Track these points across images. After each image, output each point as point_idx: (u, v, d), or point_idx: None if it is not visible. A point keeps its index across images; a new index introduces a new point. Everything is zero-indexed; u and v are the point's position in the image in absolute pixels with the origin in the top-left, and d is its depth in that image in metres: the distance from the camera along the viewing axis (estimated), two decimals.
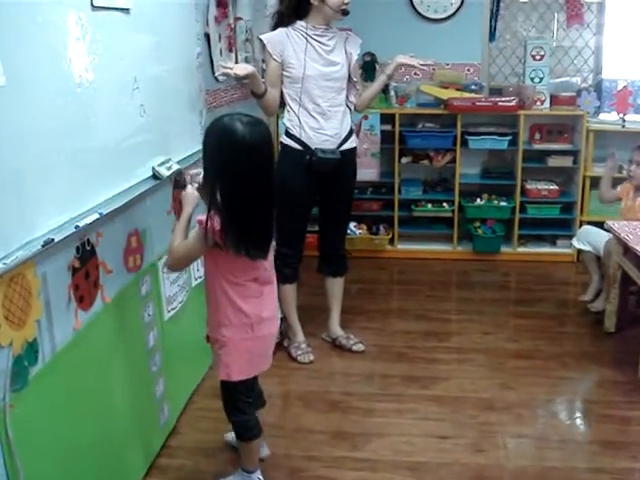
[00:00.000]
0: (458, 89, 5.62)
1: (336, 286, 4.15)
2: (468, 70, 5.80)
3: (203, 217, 2.43)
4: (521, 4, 5.98)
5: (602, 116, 5.71)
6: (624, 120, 5.55)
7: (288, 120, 3.77)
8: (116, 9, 2.59)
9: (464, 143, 5.46)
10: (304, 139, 3.72)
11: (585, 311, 4.58)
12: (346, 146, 3.81)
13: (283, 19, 3.71)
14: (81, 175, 2.35)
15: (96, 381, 2.55)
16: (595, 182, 5.33)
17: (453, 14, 5.75)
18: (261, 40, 3.72)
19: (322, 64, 3.69)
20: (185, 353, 3.53)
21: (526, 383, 3.72)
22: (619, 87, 5.96)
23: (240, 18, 4.29)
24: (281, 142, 3.85)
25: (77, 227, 2.26)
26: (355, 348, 4.08)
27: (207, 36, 3.80)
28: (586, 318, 4.52)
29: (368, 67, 5.73)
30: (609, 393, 3.65)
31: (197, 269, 3.69)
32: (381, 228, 5.70)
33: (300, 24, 3.67)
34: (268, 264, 2.66)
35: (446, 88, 5.64)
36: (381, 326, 4.45)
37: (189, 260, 2.69)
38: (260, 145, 2.42)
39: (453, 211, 5.58)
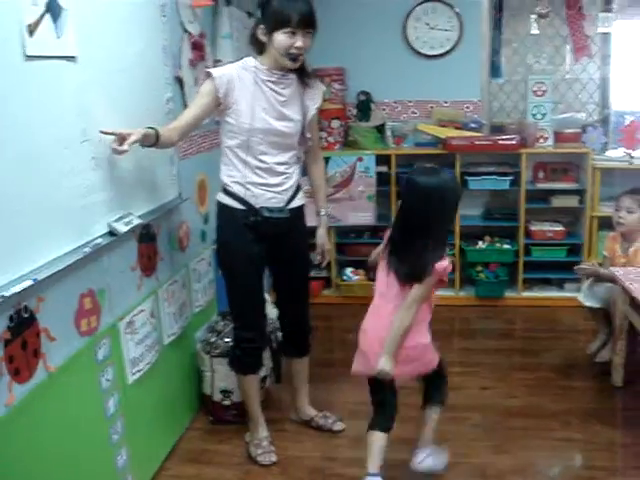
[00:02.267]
0: (457, 127, 5.41)
1: (303, 365, 3.74)
2: (467, 107, 5.59)
3: (441, 265, 2.80)
4: (524, 38, 5.78)
5: (609, 153, 5.47)
6: (632, 156, 5.31)
7: (227, 176, 3.22)
8: (58, 57, 2.41)
9: (464, 184, 5.23)
10: (247, 197, 3.20)
11: (593, 361, 4.31)
12: (295, 203, 3.33)
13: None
14: (14, 238, 2.17)
15: (41, 458, 2.35)
16: (603, 222, 5.10)
17: (450, 50, 5.56)
18: (209, 73, 3.13)
19: (274, 117, 3.14)
20: (154, 417, 3.32)
21: (523, 446, 3.46)
22: (626, 121, 5.74)
23: (220, 60, 4.11)
24: (218, 201, 3.29)
25: (2, 297, 2.06)
26: (336, 428, 3.71)
27: (180, 80, 3.62)
28: (593, 369, 4.25)
29: (364, 107, 5.55)
30: (616, 457, 3.39)
31: (171, 326, 3.49)
32: None
33: (253, 64, 3.12)
34: None
35: (444, 127, 5.43)
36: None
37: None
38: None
39: (454, 255, 5.33)
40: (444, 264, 2.83)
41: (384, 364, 2.88)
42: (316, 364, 4.11)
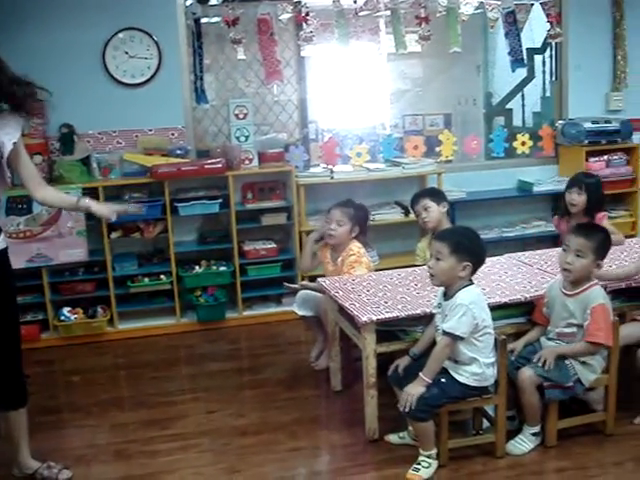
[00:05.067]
0: (163, 155, 5.39)
1: (21, 416, 3.44)
2: (173, 134, 5.58)
3: None
4: (225, 63, 5.90)
5: (312, 169, 5.74)
6: (332, 171, 5.61)
7: None
8: None
9: (174, 211, 5.23)
10: None
11: (314, 370, 4.48)
12: None
13: None
14: None
15: None
16: None
17: (151, 78, 5.50)
18: None
19: None
20: None
21: (254, 463, 3.50)
22: (325, 139, 6.08)
23: None
24: None
25: None
26: (62, 477, 3.45)
27: None
28: (315, 378, 4.43)
29: (66, 139, 5.35)
30: (339, 459, 3.56)
31: None
32: (98, 309, 5.29)
33: None
34: None
35: (151, 155, 5.38)
36: (99, 422, 4.04)
37: None
38: None
39: (172, 282, 5.31)
40: None
41: None
42: (39, 412, 3.95)
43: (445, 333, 3.24)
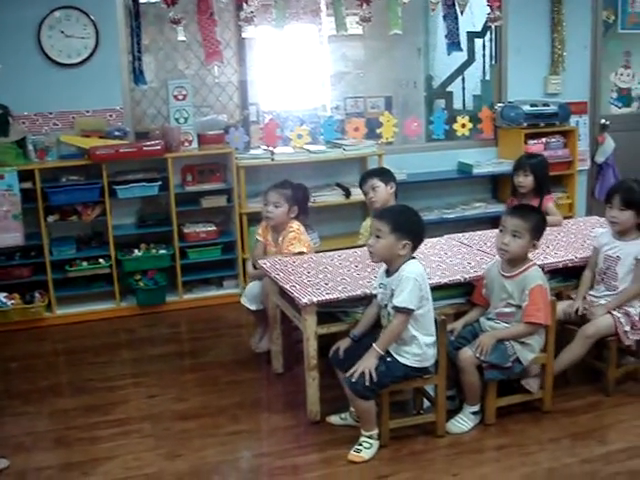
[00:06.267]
0: (101, 137, 5.28)
1: None
2: (110, 116, 5.47)
3: None
4: (165, 44, 5.81)
5: (253, 151, 5.70)
6: (273, 153, 5.59)
7: None
8: None
9: (113, 193, 5.14)
10: None
11: (255, 353, 4.47)
12: None
13: None
14: None
15: None
16: (252, 218, 5.31)
17: (88, 58, 5.38)
18: None
19: None
20: None
21: (195, 447, 3.48)
22: (266, 120, 6.04)
23: None
24: None
25: None
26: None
27: None
28: (256, 361, 4.42)
29: (1, 121, 5.20)
30: (281, 441, 3.54)
31: None
32: (36, 295, 5.17)
33: None
34: None
35: (88, 137, 5.28)
36: (38, 408, 3.96)
37: None
38: None
39: (111, 266, 5.23)
40: None
41: None
42: None
43: (398, 309, 3.25)
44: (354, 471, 3.24)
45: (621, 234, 3.85)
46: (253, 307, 4.39)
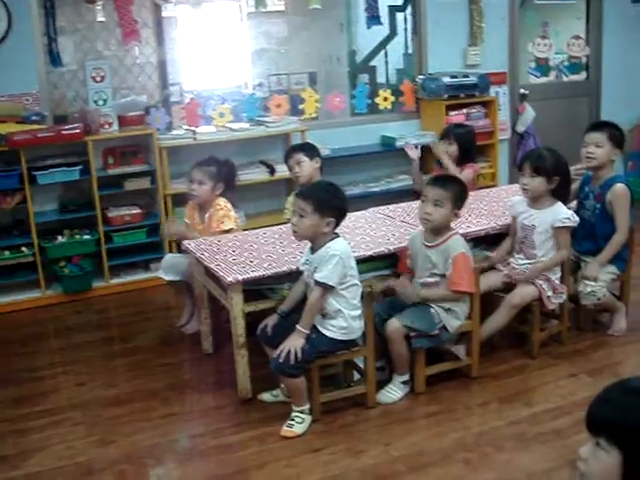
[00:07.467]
0: (18, 122, 5.14)
1: None
2: (27, 100, 5.32)
3: None
4: (81, 25, 5.68)
5: (175, 132, 5.62)
6: (195, 132, 5.53)
7: None
8: None
9: (33, 180, 5.02)
10: None
11: (185, 335, 4.45)
12: None
13: None
14: None
15: None
16: (177, 199, 5.26)
17: (0, 41, 5.21)
18: None
19: None
20: None
21: (128, 432, 3.45)
22: (187, 100, 5.97)
23: None
24: None
25: None
26: None
27: None
28: (186, 342, 4.40)
29: None
30: (214, 421, 3.54)
31: None
32: None
33: None
34: None
35: (4, 122, 5.12)
36: None
37: None
38: None
39: (34, 254, 5.11)
40: None
41: None
42: None
43: (318, 284, 3.26)
44: (288, 446, 3.26)
45: (535, 202, 3.93)
46: (169, 277, 4.39)
